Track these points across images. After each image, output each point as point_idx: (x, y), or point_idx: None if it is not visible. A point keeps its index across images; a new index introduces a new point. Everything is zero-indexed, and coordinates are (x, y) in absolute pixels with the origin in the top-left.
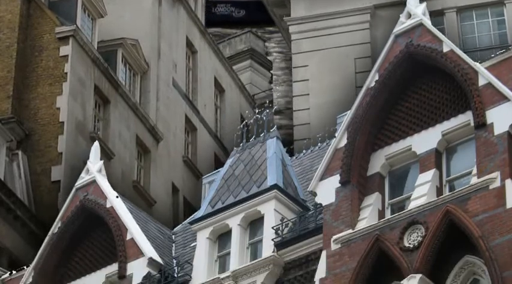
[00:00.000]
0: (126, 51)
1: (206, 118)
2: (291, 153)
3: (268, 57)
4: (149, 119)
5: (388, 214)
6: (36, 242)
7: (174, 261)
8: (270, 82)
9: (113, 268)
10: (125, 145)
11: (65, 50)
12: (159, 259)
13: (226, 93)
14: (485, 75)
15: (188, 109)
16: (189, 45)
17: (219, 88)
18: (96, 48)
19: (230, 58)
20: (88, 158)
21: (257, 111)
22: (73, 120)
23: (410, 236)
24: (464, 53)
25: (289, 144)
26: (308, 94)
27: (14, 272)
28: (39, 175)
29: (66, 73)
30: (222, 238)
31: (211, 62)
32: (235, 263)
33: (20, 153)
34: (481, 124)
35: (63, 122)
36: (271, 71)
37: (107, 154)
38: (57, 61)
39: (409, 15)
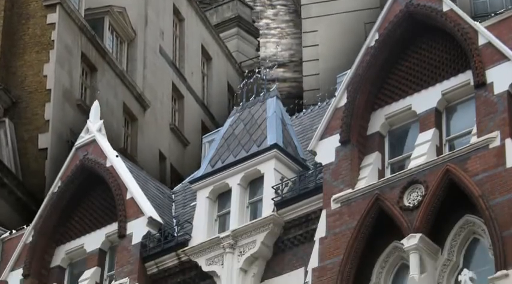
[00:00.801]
0: (113, 18)
1: (193, 85)
2: (291, 111)
3: (272, 10)
4: (136, 87)
5: (388, 174)
6: (23, 209)
7: (174, 220)
8: (257, 49)
9: (113, 227)
10: (112, 113)
11: (52, 17)
12: (159, 219)
13: (213, 60)
14: (485, 35)
15: (175, 77)
16: (176, 12)
17: (206, 56)
18: (83, 15)
19: (217, 26)
20: (74, 126)
21: (257, 70)
22: (60, 87)
23: (410, 195)
24: (476, 17)
25: (294, 97)
26: (318, 59)
27: (13, 231)
28: (26, 143)
29: (53, 41)
30: (222, 197)
31: (198, 30)
32: (235, 222)
33: (7, 120)
34: (481, 84)
35: (50, 90)
36: (259, 40)
37: None
38: (44, 29)
39: None
